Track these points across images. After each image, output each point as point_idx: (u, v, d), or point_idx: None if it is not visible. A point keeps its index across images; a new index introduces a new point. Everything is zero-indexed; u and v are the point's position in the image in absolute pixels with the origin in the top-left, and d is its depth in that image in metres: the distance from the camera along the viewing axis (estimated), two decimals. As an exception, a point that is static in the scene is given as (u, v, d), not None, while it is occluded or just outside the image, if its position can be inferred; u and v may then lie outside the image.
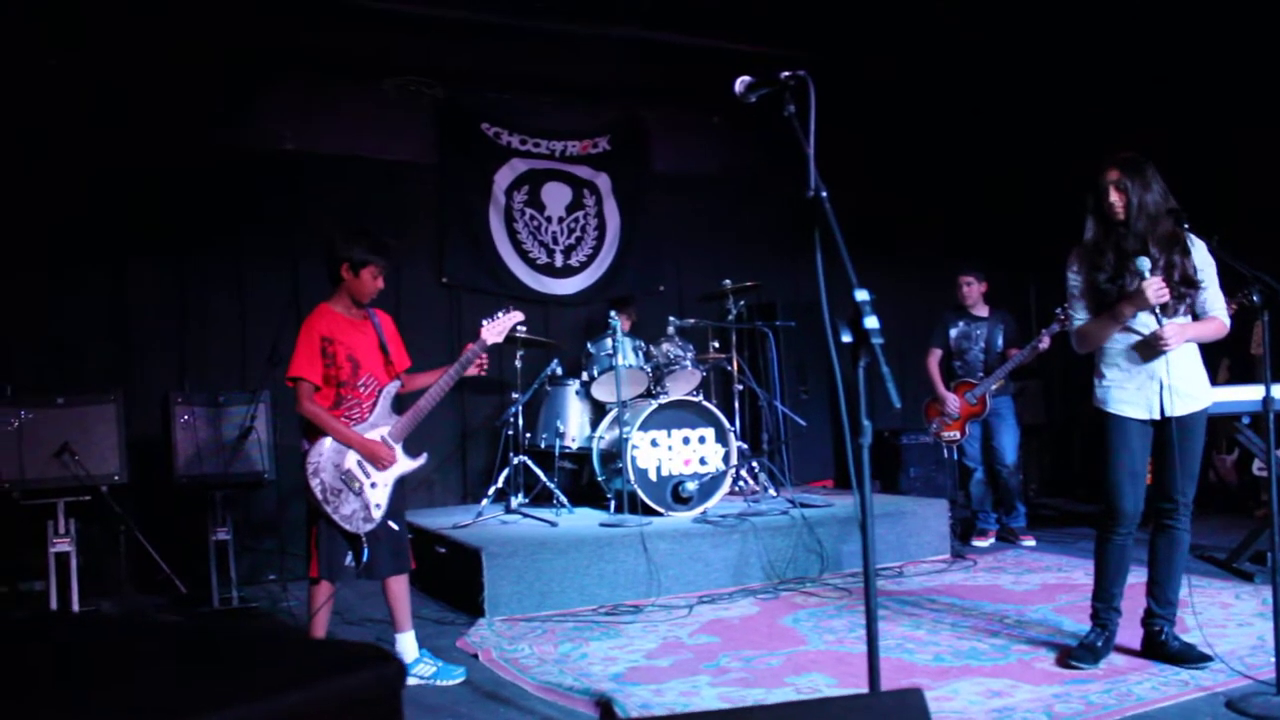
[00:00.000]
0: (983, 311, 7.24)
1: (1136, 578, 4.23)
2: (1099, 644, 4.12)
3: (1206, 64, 7.67)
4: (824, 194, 2.67)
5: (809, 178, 2.69)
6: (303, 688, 1.05)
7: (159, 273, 6.73)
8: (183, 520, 6.17)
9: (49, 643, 1.34)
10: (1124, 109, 8.22)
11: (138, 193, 6.60)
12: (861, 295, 2.51)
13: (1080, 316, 4.18)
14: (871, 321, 2.49)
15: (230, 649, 1.23)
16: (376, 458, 4.26)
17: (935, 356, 7.22)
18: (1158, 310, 3.91)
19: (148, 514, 6.12)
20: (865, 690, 2.76)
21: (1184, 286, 4.00)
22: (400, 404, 4.46)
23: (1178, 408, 4.02)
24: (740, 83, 2.96)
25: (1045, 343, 6.54)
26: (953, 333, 7.24)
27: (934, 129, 9.00)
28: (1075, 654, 4.07)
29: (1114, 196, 4.01)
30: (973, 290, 7.24)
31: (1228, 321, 4.13)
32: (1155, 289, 3.87)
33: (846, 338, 2.52)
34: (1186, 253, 4.02)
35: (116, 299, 6.60)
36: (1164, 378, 4.02)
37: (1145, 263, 3.90)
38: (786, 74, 2.80)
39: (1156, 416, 4.06)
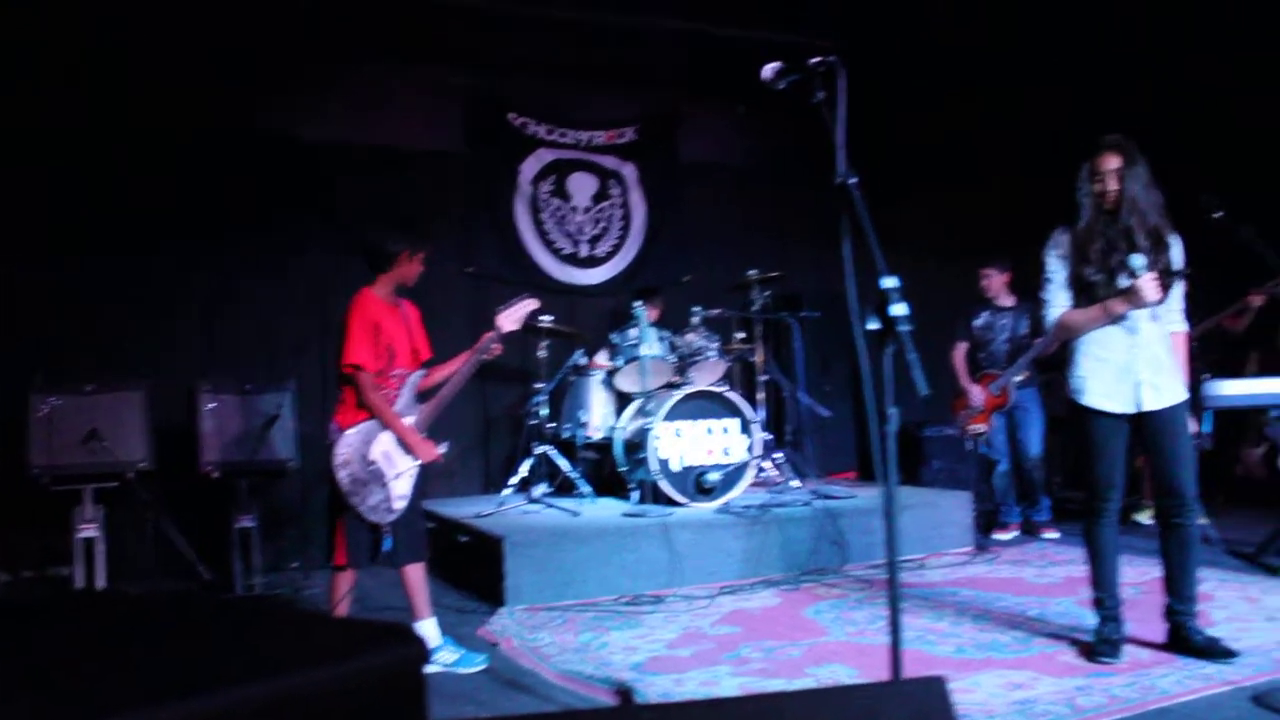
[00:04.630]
0: (1008, 302, 7.20)
1: (1160, 571, 4.19)
2: (1116, 636, 4.10)
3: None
4: (853, 180, 2.67)
5: (837, 164, 2.68)
6: (327, 665, 1.05)
7: (189, 261, 6.75)
8: (208, 507, 6.22)
9: (81, 621, 1.35)
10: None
11: (170, 180, 6.63)
12: (889, 282, 2.50)
13: (1061, 303, 4.14)
14: (899, 308, 2.48)
15: (256, 627, 1.24)
16: (424, 452, 4.31)
17: (961, 349, 7.18)
18: (1154, 307, 3.90)
19: (173, 501, 6.16)
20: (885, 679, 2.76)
21: (1165, 278, 3.98)
22: (421, 394, 4.49)
23: (1154, 402, 4.01)
24: (769, 69, 2.95)
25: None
26: (976, 324, 7.20)
27: (967, 116, 8.91)
28: (1099, 649, 4.04)
29: (1111, 184, 3.98)
30: (993, 282, 7.20)
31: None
32: (1151, 287, 3.85)
33: (873, 325, 2.52)
34: (1166, 247, 4.03)
35: (147, 287, 6.63)
36: (1141, 372, 4.00)
37: (1141, 260, 3.88)
38: (816, 60, 2.79)
39: (1133, 411, 4.04)
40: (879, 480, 2.54)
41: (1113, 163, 3.97)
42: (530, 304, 4.64)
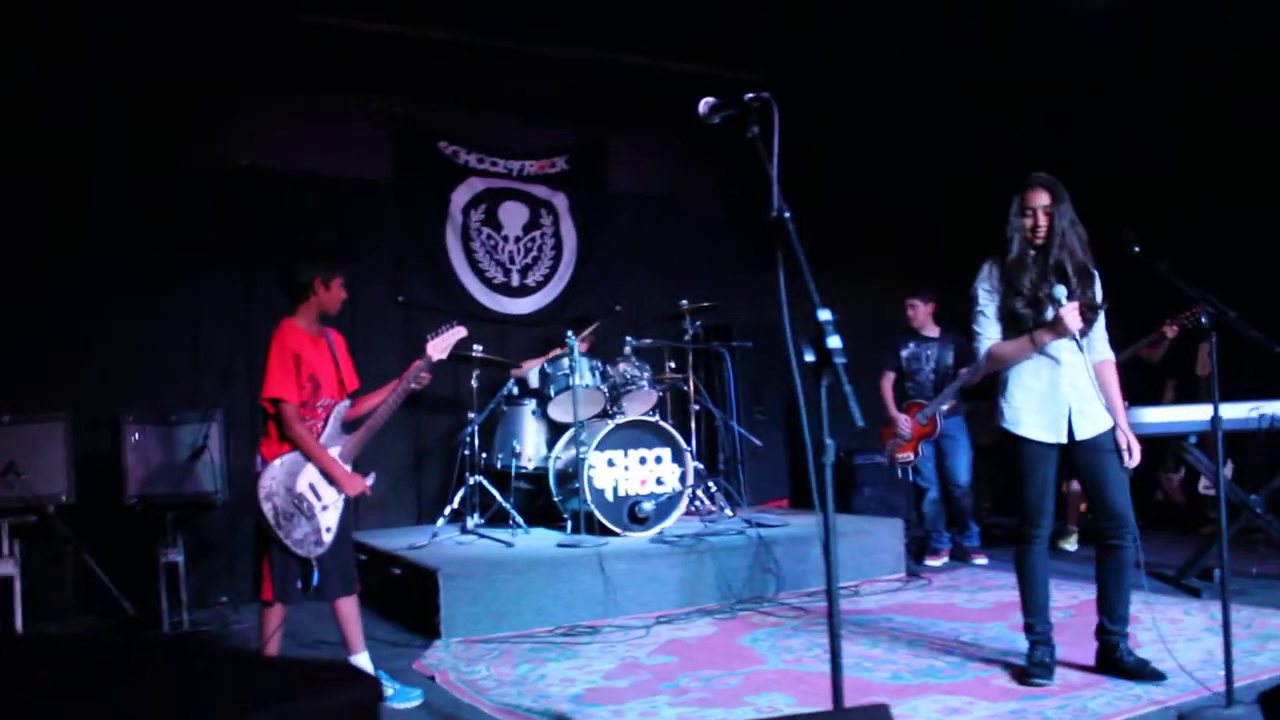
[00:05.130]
0: (933, 332, 7.32)
1: (1088, 594, 4.28)
2: (1048, 659, 4.17)
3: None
4: (787, 214, 2.70)
5: (772, 198, 2.71)
6: (278, 708, 1.03)
7: (112, 290, 6.61)
8: (132, 541, 6.04)
9: (8, 666, 1.31)
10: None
11: (92, 208, 6.49)
12: (824, 315, 2.53)
13: (991, 335, 4.24)
14: (834, 341, 2.51)
15: (201, 670, 1.21)
16: (349, 486, 4.25)
17: (889, 379, 7.29)
18: (1077, 336, 4.00)
19: (96, 535, 5.97)
20: (828, 709, 2.77)
21: (1090, 313, 4.10)
22: (348, 424, 4.44)
23: (1085, 430, 4.12)
24: (705, 104, 2.99)
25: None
26: (904, 354, 7.31)
27: (893, 151, 9.09)
28: (1032, 672, 4.10)
29: (1041, 220, 4.09)
30: (919, 312, 7.33)
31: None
32: (1074, 317, 3.95)
33: (809, 357, 2.54)
34: (1092, 281, 4.16)
35: (67, 316, 6.48)
36: (1071, 402, 4.11)
37: (1062, 290, 3.99)
38: (750, 96, 2.83)
39: (1064, 440, 4.14)
40: (816, 510, 2.56)
41: (1043, 199, 4.08)
42: (459, 332, 4.64)
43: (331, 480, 4.24)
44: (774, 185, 2.71)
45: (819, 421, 2.55)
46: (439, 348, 4.56)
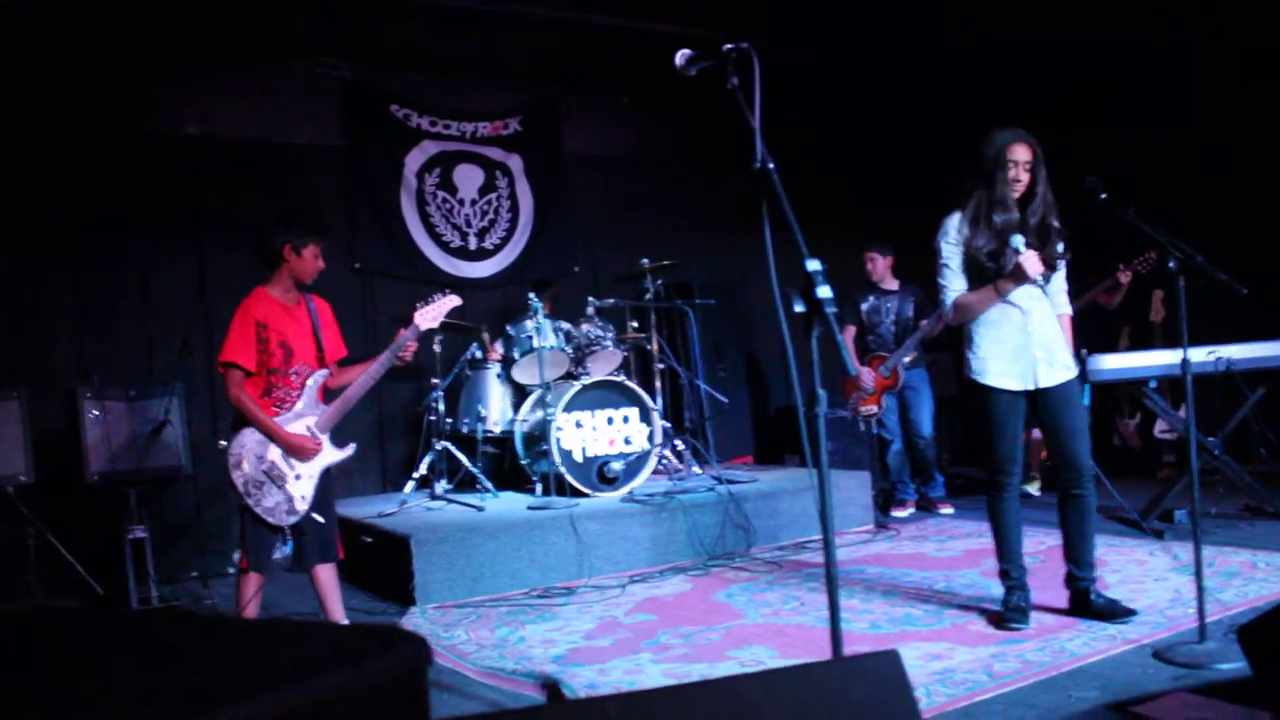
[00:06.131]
0: (892, 285, 7.37)
1: (1055, 539, 4.36)
2: (1024, 604, 4.23)
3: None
4: (771, 165, 2.68)
5: (755, 149, 2.69)
6: (334, 671, 1.01)
7: (57, 264, 6.46)
8: (96, 520, 5.93)
9: (60, 639, 1.27)
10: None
11: (32, 180, 6.33)
12: (813, 265, 2.52)
13: (957, 287, 4.26)
14: (824, 291, 2.50)
15: (251, 638, 1.18)
16: (301, 450, 4.18)
17: (849, 333, 7.32)
18: (1040, 282, 4.04)
19: (58, 514, 5.84)
20: (821, 658, 2.79)
21: (1050, 261, 4.14)
22: (329, 394, 4.37)
23: (1049, 378, 4.18)
24: (681, 56, 2.95)
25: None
26: (863, 307, 7.35)
27: (854, 113, 9.10)
28: (1009, 617, 4.16)
29: (1023, 175, 4.11)
30: (877, 265, 7.36)
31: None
32: (1034, 263, 3.99)
33: (799, 308, 2.53)
34: (1056, 239, 4.19)
35: (12, 292, 6.33)
36: (1036, 350, 4.16)
37: (1019, 240, 4.02)
38: (729, 47, 2.80)
39: (1031, 387, 4.19)
40: (809, 462, 2.57)
41: (1025, 154, 4.10)
42: (451, 301, 4.56)
43: (282, 445, 4.17)
44: (757, 136, 2.69)
45: (811, 373, 2.55)
46: (428, 317, 4.46)
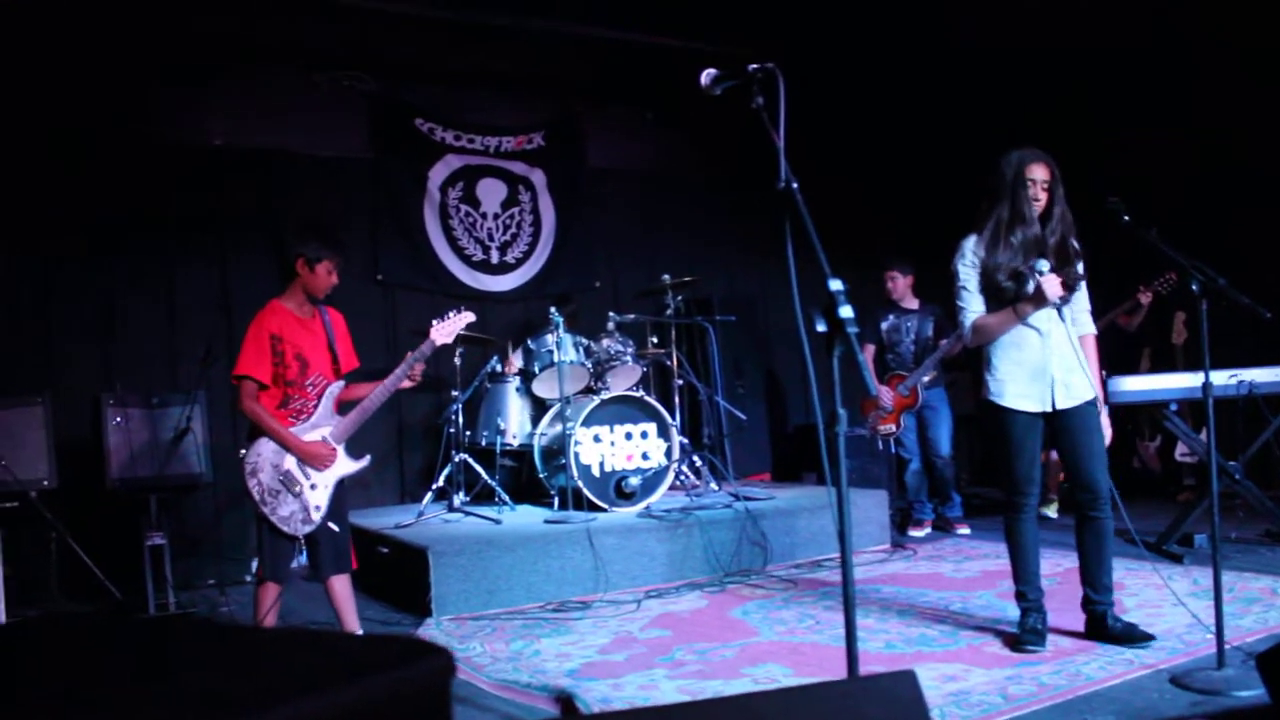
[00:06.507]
0: (912, 304, 7.36)
1: (1074, 562, 4.34)
2: (1040, 626, 4.21)
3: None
4: (794, 185, 2.69)
5: (779, 169, 2.70)
6: (356, 681, 1.03)
7: (84, 272, 6.53)
8: (116, 525, 5.99)
9: (84, 646, 1.29)
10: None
11: (60, 190, 6.40)
12: (836, 285, 2.53)
13: (975, 309, 4.26)
14: (846, 310, 2.51)
15: (275, 646, 1.20)
16: (316, 459, 4.22)
17: (869, 351, 7.31)
18: (1059, 304, 4.05)
19: (79, 519, 5.90)
20: (836, 678, 2.79)
21: (1069, 282, 4.13)
22: (342, 406, 4.40)
23: (1067, 400, 4.17)
24: (706, 75, 2.97)
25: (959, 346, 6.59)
26: (883, 326, 7.35)
27: (881, 128, 9.09)
28: (1025, 639, 4.14)
29: (1042, 195, 4.12)
30: (898, 284, 7.36)
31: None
32: (1054, 287, 3.99)
33: (821, 327, 2.54)
34: (1076, 260, 4.19)
35: (39, 299, 6.40)
36: (1054, 372, 4.15)
37: (1044, 264, 4.02)
38: (754, 66, 2.81)
39: (1048, 409, 4.18)
40: (828, 480, 2.57)
41: (1044, 173, 4.10)
42: (466, 317, 4.61)
43: (296, 453, 4.20)
44: (781, 156, 2.70)
45: (832, 392, 2.55)
46: (444, 332, 4.51)
